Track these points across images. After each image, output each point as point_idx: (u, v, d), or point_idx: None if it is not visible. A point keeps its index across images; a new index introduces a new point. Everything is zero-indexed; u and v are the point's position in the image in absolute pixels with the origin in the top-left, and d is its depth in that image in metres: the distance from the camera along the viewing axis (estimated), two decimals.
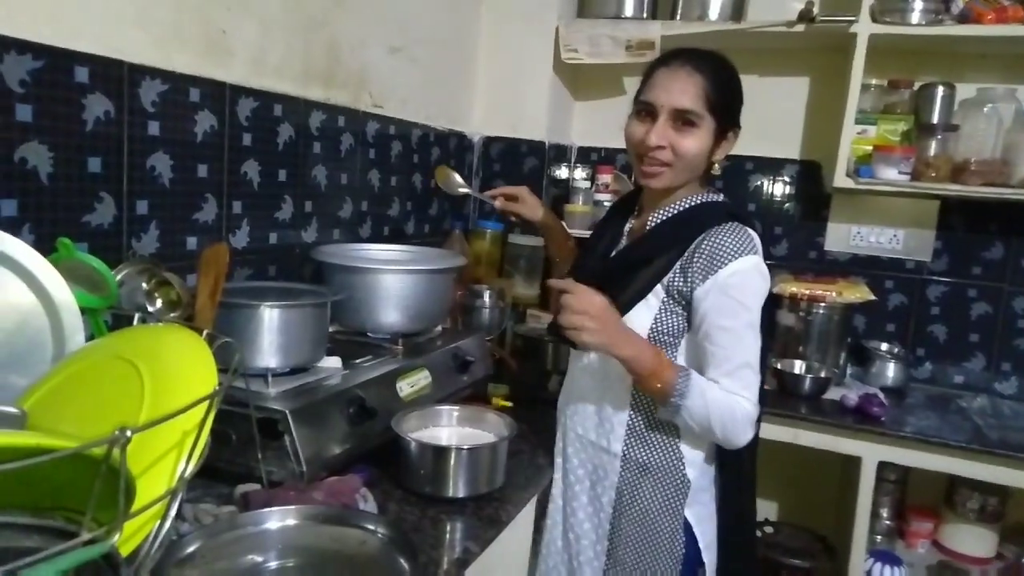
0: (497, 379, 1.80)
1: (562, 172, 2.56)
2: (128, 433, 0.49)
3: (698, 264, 1.18)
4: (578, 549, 1.33)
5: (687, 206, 1.27)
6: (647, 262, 1.25)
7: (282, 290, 1.34)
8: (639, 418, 1.26)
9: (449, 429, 1.34)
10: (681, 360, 1.24)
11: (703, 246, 1.19)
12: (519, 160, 2.43)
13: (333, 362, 1.34)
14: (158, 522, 0.65)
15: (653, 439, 1.26)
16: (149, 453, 0.69)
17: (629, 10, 2.29)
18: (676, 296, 1.22)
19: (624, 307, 1.24)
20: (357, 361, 1.39)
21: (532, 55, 2.38)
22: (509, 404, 1.72)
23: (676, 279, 1.21)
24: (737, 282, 1.16)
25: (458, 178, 1.72)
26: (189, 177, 1.34)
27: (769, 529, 2.23)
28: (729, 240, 1.18)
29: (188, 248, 1.34)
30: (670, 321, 1.23)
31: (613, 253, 1.35)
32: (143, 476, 0.68)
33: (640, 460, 1.27)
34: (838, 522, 2.22)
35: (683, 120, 1.20)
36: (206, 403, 0.63)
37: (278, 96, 1.53)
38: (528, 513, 1.38)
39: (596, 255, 1.37)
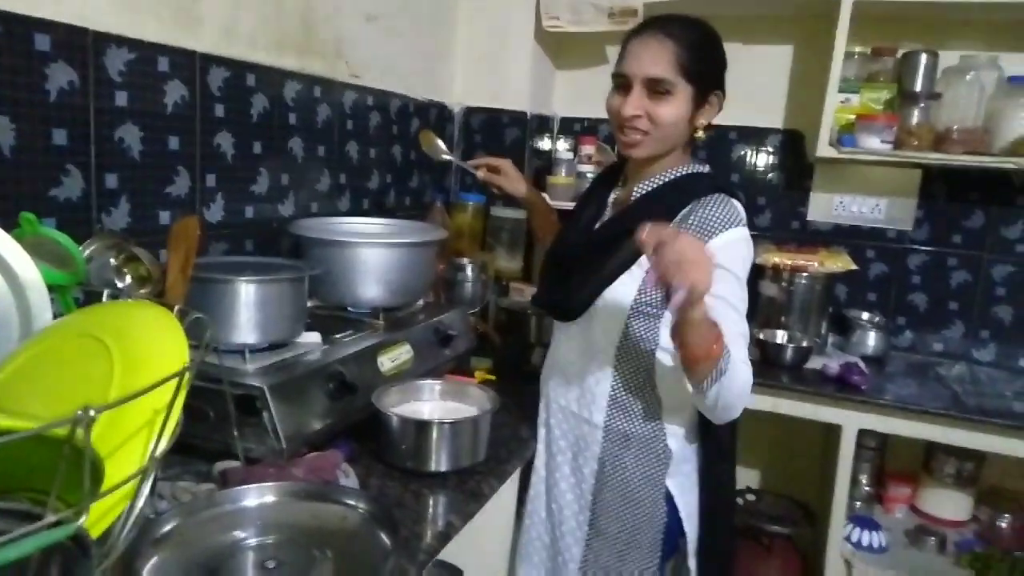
0: (480, 353, 1.79)
1: (544, 143, 2.54)
2: (92, 412, 0.47)
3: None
4: (561, 519, 1.34)
5: (672, 177, 1.26)
6: (631, 233, 1.23)
7: (259, 265, 1.32)
8: (621, 389, 1.26)
9: (431, 403, 1.33)
10: (665, 331, 1.24)
11: (691, 218, 1.19)
12: (500, 131, 2.39)
13: (312, 337, 1.32)
14: (130, 502, 0.63)
15: (635, 410, 1.26)
16: (120, 432, 0.67)
17: None
18: None
19: (608, 277, 1.24)
20: (337, 336, 1.37)
21: (513, 24, 2.33)
22: (492, 377, 1.72)
23: None
24: (727, 254, 1.15)
25: (441, 144, 1.70)
26: (160, 149, 1.30)
27: (751, 497, 2.26)
28: (717, 212, 1.18)
29: (161, 222, 1.31)
30: (655, 293, 1.22)
31: (597, 225, 1.34)
32: (114, 455, 0.66)
33: (622, 431, 1.27)
34: (819, 489, 2.25)
35: (657, 89, 1.19)
36: (176, 380, 0.61)
37: (251, 65, 1.49)
38: (511, 486, 1.38)
39: (580, 226, 1.37)
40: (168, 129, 1.31)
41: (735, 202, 1.22)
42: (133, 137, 1.24)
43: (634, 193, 1.29)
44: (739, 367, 1.11)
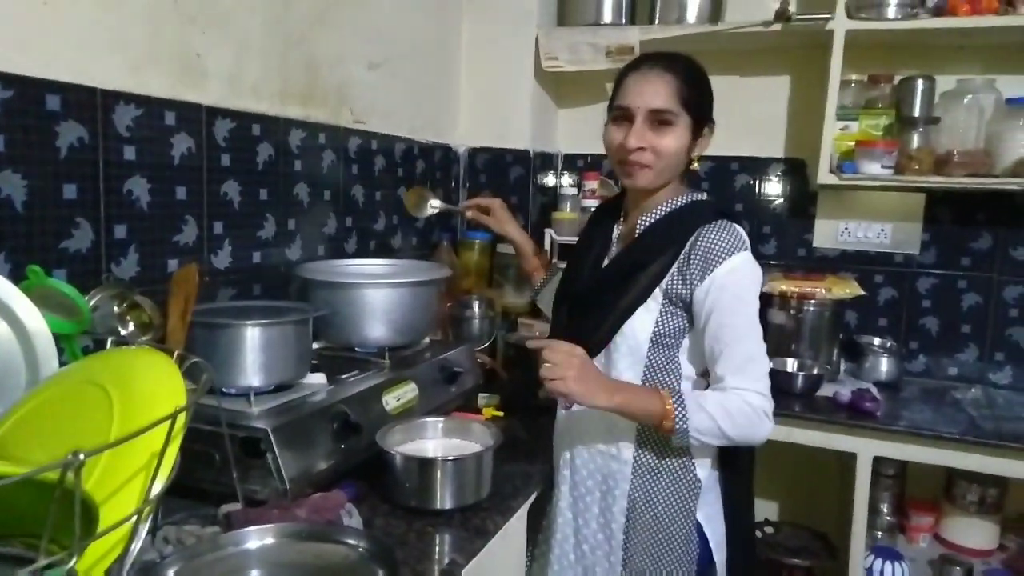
0: (488, 389, 1.80)
1: (549, 180, 2.58)
2: (81, 456, 0.49)
3: (694, 265, 1.20)
4: (593, 561, 1.33)
5: (675, 207, 1.28)
6: (642, 267, 1.26)
7: (265, 308, 1.35)
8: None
9: (435, 441, 1.34)
10: (684, 360, 1.25)
11: (697, 246, 1.21)
12: (505, 170, 2.44)
13: (318, 378, 1.34)
14: (127, 544, 0.64)
15: (663, 442, 1.25)
16: (118, 476, 0.69)
17: (608, 16, 2.30)
18: (675, 299, 1.23)
19: (624, 313, 1.25)
20: (343, 376, 1.39)
21: (514, 65, 2.39)
22: (500, 413, 1.72)
23: (674, 282, 1.23)
24: (735, 279, 1.18)
25: (432, 199, 1.74)
26: (167, 200, 1.34)
27: (770, 529, 2.22)
28: (721, 238, 1.20)
29: (169, 270, 1.35)
30: (671, 323, 1.24)
31: (606, 261, 1.35)
32: (112, 498, 0.68)
33: (651, 464, 1.27)
34: (838, 519, 2.20)
35: (659, 120, 1.22)
36: (168, 423, 0.63)
37: (256, 116, 1.54)
38: (519, 522, 1.37)
39: (587, 264, 1.38)
40: (175, 180, 1.36)
41: (737, 227, 1.23)
42: (141, 189, 1.28)
43: (638, 226, 1.30)
44: (711, 402, 1.14)
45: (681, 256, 1.22)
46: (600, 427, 1.31)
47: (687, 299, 1.21)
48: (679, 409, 1.14)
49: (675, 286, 1.22)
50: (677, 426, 1.14)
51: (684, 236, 1.23)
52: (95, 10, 1.18)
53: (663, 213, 1.28)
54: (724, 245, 1.19)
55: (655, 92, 1.22)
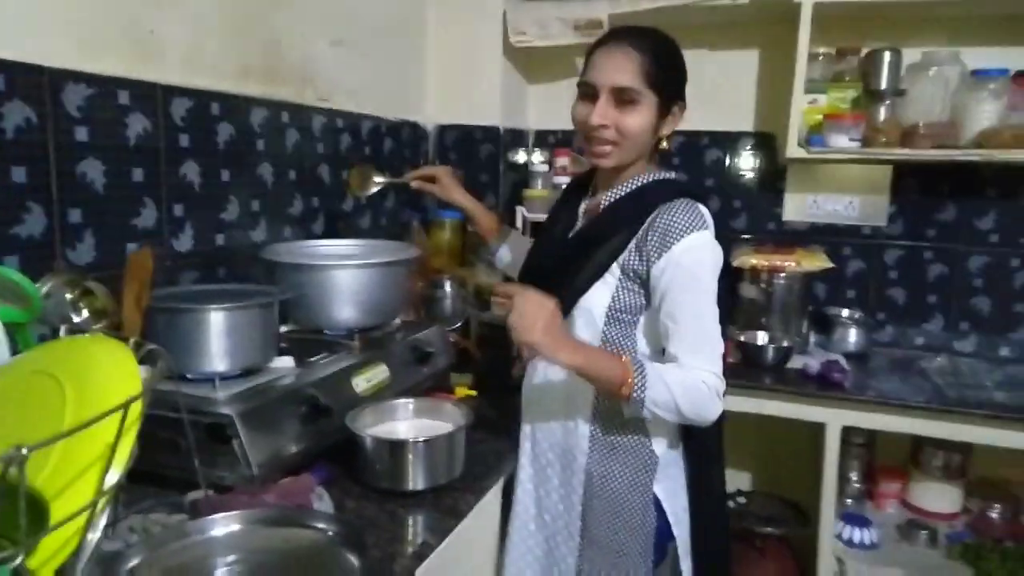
0: (461, 368, 1.79)
1: (520, 157, 2.55)
2: (23, 451, 0.47)
3: (652, 242, 1.19)
4: (554, 529, 1.34)
5: (639, 184, 1.27)
6: (602, 241, 1.25)
7: (230, 292, 1.32)
8: (604, 398, 1.27)
9: (406, 422, 1.33)
10: (640, 336, 1.25)
11: (656, 224, 1.20)
12: (475, 147, 2.41)
13: (285, 362, 1.32)
14: (82, 536, 0.63)
15: (619, 416, 1.26)
16: (72, 467, 0.67)
17: None
18: (632, 275, 1.22)
19: (582, 286, 1.25)
20: (311, 359, 1.37)
21: (481, 41, 2.35)
22: (473, 393, 1.72)
23: (631, 258, 1.22)
24: (692, 258, 1.17)
25: (375, 176, 1.72)
26: (124, 182, 1.30)
27: (742, 499, 2.26)
28: (681, 217, 1.18)
29: (128, 254, 1.31)
30: (627, 299, 1.23)
31: (570, 235, 1.35)
32: (67, 491, 0.66)
33: (607, 439, 1.27)
34: (810, 488, 2.24)
35: (623, 98, 1.20)
36: (121, 413, 0.61)
37: (215, 94, 1.49)
38: (492, 501, 1.37)
39: (553, 237, 1.38)
40: (132, 161, 1.32)
41: (700, 207, 1.22)
42: (96, 171, 1.24)
43: (602, 202, 1.30)
44: (671, 376, 1.14)
45: (640, 232, 1.21)
46: (560, 401, 1.32)
47: (644, 276, 1.20)
48: (639, 378, 1.13)
49: (632, 262, 1.21)
50: (635, 395, 1.13)
51: (645, 213, 1.22)
52: None
53: (628, 190, 1.28)
54: (683, 223, 1.17)
55: (619, 69, 1.20)
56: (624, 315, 1.24)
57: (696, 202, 1.22)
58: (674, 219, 1.18)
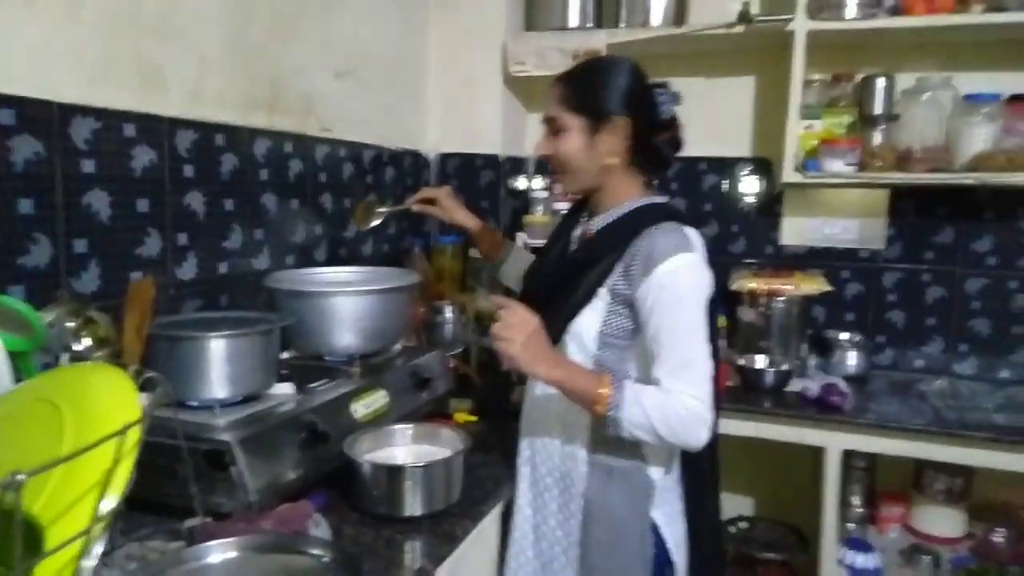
0: (462, 394, 1.80)
1: (520, 183, 2.58)
2: (20, 477, 0.49)
3: (636, 265, 1.20)
4: (551, 556, 1.33)
5: (629, 209, 1.29)
6: (591, 265, 1.27)
7: (230, 319, 1.34)
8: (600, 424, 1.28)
9: (404, 448, 1.34)
10: (635, 362, 1.26)
11: (640, 247, 1.21)
12: (475, 174, 2.44)
13: (286, 388, 1.33)
14: (79, 562, 0.64)
15: (615, 442, 1.26)
16: (70, 494, 0.68)
17: (574, 20, 2.32)
18: (620, 299, 1.23)
19: (573, 310, 1.26)
20: (311, 385, 1.38)
21: (482, 71, 2.40)
22: (473, 418, 1.72)
23: (619, 281, 1.23)
24: (673, 280, 1.17)
25: (377, 208, 1.74)
26: (129, 212, 1.33)
27: (744, 524, 2.24)
28: (664, 240, 1.19)
29: (132, 283, 1.34)
30: (617, 323, 1.24)
31: (563, 259, 1.37)
32: (64, 517, 0.68)
33: (605, 464, 1.28)
34: (811, 513, 2.23)
35: (554, 128, 1.28)
36: (118, 439, 0.63)
37: (219, 126, 1.53)
38: (490, 527, 1.38)
39: (548, 260, 1.41)
40: (137, 192, 1.35)
41: (686, 229, 1.23)
42: (102, 202, 1.28)
43: (593, 227, 1.32)
44: (649, 399, 1.13)
45: (626, 255, 1.22)
46: (557, 426, 1.32)
47: (630, 299, 1.21)
48: (615, 396, 1.13)
49: (620, 285, 1.22)
50: (609, 413, 1.14)
51: (631, 236, 1.23)
52: (51, 23, 1.17)
53: (618, 215, 1.30)
54: (666, 246, 1.18)
55: (548, 102, 1.29)
56: (615, 339, 1.25)
57: (682, 225, 1.23)
58: (657, 242, 1.19)
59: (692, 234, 1.23)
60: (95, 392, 0.76)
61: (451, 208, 1.62)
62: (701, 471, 1.35)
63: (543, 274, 1.41)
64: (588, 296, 1.25)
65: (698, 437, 1.15)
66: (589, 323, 1.25)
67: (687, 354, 1.16)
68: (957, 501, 2.06)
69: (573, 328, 1.26)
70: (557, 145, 1.27)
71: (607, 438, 1.27)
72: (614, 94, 1.25)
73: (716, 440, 1.35)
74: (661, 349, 1.17)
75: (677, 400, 1.14)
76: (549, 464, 1.35)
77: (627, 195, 1.30)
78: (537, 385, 1.39)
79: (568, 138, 1.26)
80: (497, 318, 1.16)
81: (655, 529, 1.28)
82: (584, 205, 1.43)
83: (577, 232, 1.39)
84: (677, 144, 1.32)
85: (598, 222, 1.32)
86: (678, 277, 1.17)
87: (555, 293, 1.29)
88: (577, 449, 1.30)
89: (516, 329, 1.14)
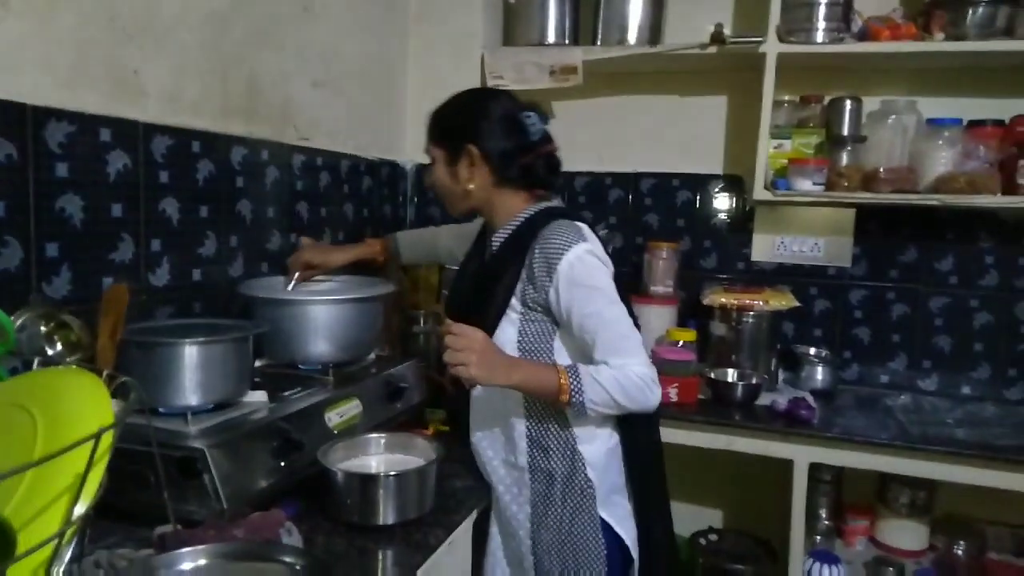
0: (436, 404, 1.80)
1: None
2: None
3: (538, 269, 1.26)
4: (520, 557, 1.36)
5: (519, 220, 1.35)
6: (496, 280, 1.33)
7: (204, 326, 1.33)
8: (536, 428, 1.32)
9: (377, 457, 1.34)
10: (559, 358, 1.30)
11: (536, 252, 1.27)
12: None
13: (258, 396, 1.33)
14: (47, 568, 0.64)
15: (551, 447, 1.31)
16: (41, 498, 0.68)
17: (552, 36, 2.35)
18: (531, 305, 1.29)
19: (490, 325, 1.30)
20: (285, 394, 1.38)
21: (459, 83, 2.38)
22: (446, 428, 1.73)
23: (527, 289, 1.29)
24: (578, 271, 1.24)
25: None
26: (102, 217, 1.32)
27: (713, 536, 2.27)
28: (557, 238, 1.26)
29: (104, 288, 1.32)
30: (535, 329, 1.30)
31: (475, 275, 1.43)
32: (35, 521, 0.67)
33: (545, 469, 1.32)
34: (780, 525, 2.26)
35: (430, 159, 1.39)
36: (91, 443, 0.63)
37: (196, 132, 1.52)
38: (465, 535, 1.38)
39: (465, 279, 1.47)
40: (111, 197, 1.34)
41: (576, 223, 1.29)
42: (75, 206, 1.26)
43: (492, 243, 1.39)
44: (603, 375, 1.20)
45: (526, 263, 1.28)
46: (500, 438, 1.37)
47: (542, 302, 1.28)
48: (574, 383, 1.20)
49: (529, 293, 1.28)
50: (573, 399, 1.20)
51: (526, 243, 1.29)
52: (25, 26, 1.16)
53: (512, 228, 1.35)
54: (559, 243, 1.25)
55: None
56: (534, 345, 1.30)
57: (571, 220, 1.30)
58: (550, 242, 1.26)
59: (582, 226, 1.29)
60: (68, 396, 0.75)
61: (325, 259, 1.69)
62: (644, 469, 1.39)
63: (460, 292, 1.47)
64: (502, 309, 1.31)
65: (654, 398, 1.24)
66: (508, 335, 1.30)
67: (619, 331, 1.24)
68: (920, 514, 2.11)
69: (495, 340, 1.29)
70: (429, 175, 1.39)
71: (543, 443, 1.31)
72: (468, 125, 1.34)
73: (660, 445, 1.43)
74: (595, 336, 1.23)
75: (627, 372, 1.21)
76: (499, 473, 1.38)
77: (516, 209, 1.36)
78: (475, 399, 1.41)
79: (434, 168, 1.38)
80: (444, 345, 1.19)
81: (607, 528, 1.31)
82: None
83: (488, 250, 1.43)
84: (552, 161, 1.38)
85: (496, 239, 1.37)
86: (580, 267, 1.24)
87: (472, 310, 1.33)
88: (518, 457, 1.34)
89: (467, 351, 1.17)
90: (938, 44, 1.99)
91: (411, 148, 2.47)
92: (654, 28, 2.28)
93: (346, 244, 1.75)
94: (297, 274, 1.66)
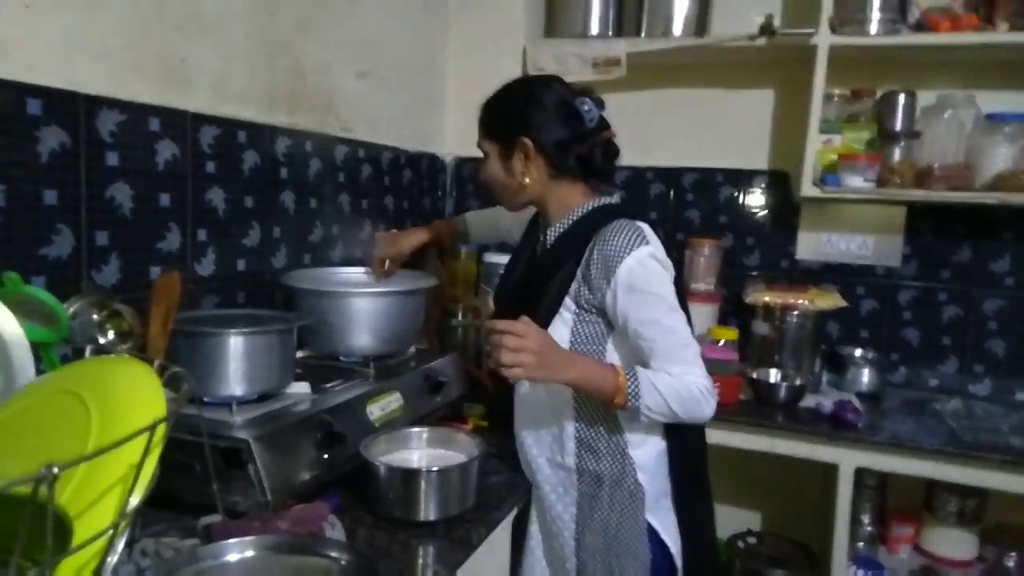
0: (474, 399, 1.79)
1: None
2: (54, 470, 0.48)
3: (595, 271, 1.22)
4: (562, 558, 1.34)
5: (577, 216, 1.31)
6: (549, 278, 1.29)
7: (249, 317, 1.33)
8: (586, 429, 1.29)
9: (419, 451, 1.33)
10: (611, 361, 1.26)
11: (594, 253, 1.23)
12: None
13: (301, 387, 1.33)
14: (101, 558, 0.63)
15: (600, 449, 1.28)
16: (96, 488, 0.68)
17: (595, 28, 2.31)
18: (586, 306, 1.25)
19: (542, 324, 1.25)
20: (327, 386, 1.38)
21: (501, 75, 2.34)
22: (485, 423, 1.71)
23: (581, 290, 1.25)
24: (637, 277, 1.20)
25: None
26: (151, 207, 1.33)
27: (752, 539, 2.22)
28: (617, 240, 1.21)
29: (151, 278, 1.33)
30: (588, 330, 1.26)
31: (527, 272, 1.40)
32: (88, 511, 0.67)
33: (593, 471, 1.29)
34: (820, 530, 2.21)
35: (483, 154, 1.35)
36: (146, 435, 0.62)
37: (242, 123, 1.53)
38: (504, 533, 1.37)
39: (514, 277, 1.43)
40: (159, 186, 1.35)
41: (637, 223, 1.24)
42: (124, 195, 1.27)
43: (547, 239, 1.35)
44: (663, 382, 1.17)
45: (582, 263, 1.24)
46: (547, 437, 1.34)
47: (598, 304, 1.24)
48: (632, 385, 1.17)
49: (583, 294, 1.25)
50: (629, 403, 1.17)
51: (584, 242, 1.25)
52: (78, 15, 1.17)
53: (566, 225, 1.31)
54: (620, 246, 1.20)
55: None
56: (588, 347, 1.26)
57: (632, 220, 1.24)
58: (610, 244, 1.21)
59: (644, 226, 1.24)
60: (121, 385, 0.75)
61: (398, 251, 1.69)
62: (693, 481, 1.35)
63: (509, 289, 1.43)
64: (554, 308, 1.27)
65: (709, 410, 1.21)
66: (560, 335, 1.26)
67: (678, 339, 1.20)
68: (969, 523, 2.04)
69: None
70: (483, 170, 1.35)
71: (593, 444, 1.28)
72: (521, 117, 1.29)
73: (705, 451, 1.38)
74: (653, 343, 1.20)
75: (687, 381, 1.18)
76: (544, 472, 1.36)
77: (573, 203, 1.32)
78: (521, 397, 1.39)
79: (488, 163, 1.34)
80: (492, 342, 1.13)
81: (653, 533, 1.28)
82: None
83: (539, 242, 1.41)
84: (610, 149, 1.32)
85: (551, 233, 1.33)
86: (641, 273, 1.20)
87: (522, 308, 1.29)
88: (566, 457, 1.31)
89: (525, 352, 1.12)
90: (1002, 35, 1.91)
91: (451, 140, 2.46)
92: (700, 19, 2.23)
93: (414, 228, 1.75)
94: (376, 271, 1.70)
